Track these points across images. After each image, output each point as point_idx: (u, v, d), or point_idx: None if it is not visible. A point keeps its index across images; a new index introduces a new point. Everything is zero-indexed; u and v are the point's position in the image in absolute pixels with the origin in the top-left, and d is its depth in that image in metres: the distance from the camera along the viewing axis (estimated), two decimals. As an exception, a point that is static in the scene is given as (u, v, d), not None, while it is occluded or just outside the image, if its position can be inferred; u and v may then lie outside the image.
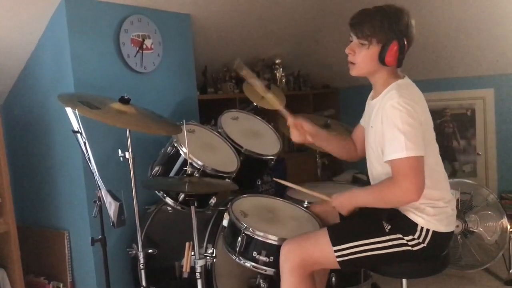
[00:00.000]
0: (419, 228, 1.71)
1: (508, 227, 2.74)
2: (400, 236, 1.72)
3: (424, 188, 1.62)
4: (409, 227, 1.72)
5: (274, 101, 2.13)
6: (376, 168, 1.82)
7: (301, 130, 1.99)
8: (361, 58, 1.74)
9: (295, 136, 1.99)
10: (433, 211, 1.71)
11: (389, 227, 1.73)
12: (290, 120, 2.00)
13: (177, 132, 2.20)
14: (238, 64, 2.08)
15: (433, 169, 1.73)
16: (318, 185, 2.84)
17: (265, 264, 1.90)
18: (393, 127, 1.62)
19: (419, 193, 1.62)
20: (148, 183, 2.23)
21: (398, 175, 1.63)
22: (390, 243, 1.72)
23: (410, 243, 1.72)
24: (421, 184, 1.61)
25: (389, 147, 1.64)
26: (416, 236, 1.71)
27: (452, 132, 4.17)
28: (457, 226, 2.74)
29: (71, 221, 2.48)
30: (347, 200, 1.84)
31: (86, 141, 1.88)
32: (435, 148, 1.78)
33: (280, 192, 2.88)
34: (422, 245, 1.72)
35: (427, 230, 1.71)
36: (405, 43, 1.68)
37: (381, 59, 1.69)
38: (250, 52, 3.93)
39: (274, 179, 2.18)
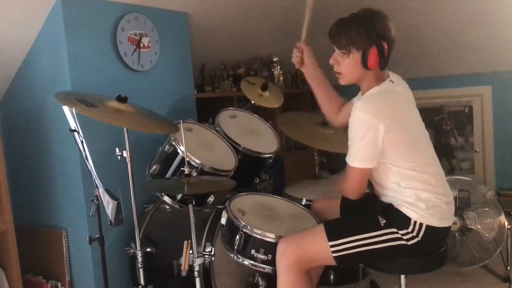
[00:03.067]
0: (412, 222, 1.73)
1: (506, 224, 2.74)
2: (395, 230, 1.74)
3: (360, 194, 1.80)
4: (403, 221, 1.74)
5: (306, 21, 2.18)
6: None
7: (303, 55, 2.09)
8: (345, 67, 1.79)
9: (294, 57, 2.12)
10: (424, 205, 1.73)
11: (384, 221, 1.75)
12: (300, 43, 2.12)
13: (173, 131, 2.20)
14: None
15: (421, 164, 1.75)
16: (315, 182, 2.84)
17: (263, 262, 1.90)
18: (350, 136, 1.74)
19: (353, 195, 1.82)
20: (148, 185, 2.23)
21: (346, 175, 1.81)
22: (385, 237, 1.74)
23: (404, 237, 1.73)
24: (358, 190, 1.80)
25: (348, 149, 1.77)
26: (410, 230, 1.73)
27: (450, 130, 4.18)
28: (455, 223, 2.74)
29: (69, 220, 2.47)
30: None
31: (84, 140, 1.87)
32: (424, 144, 1.81)
33: (278, 190, 2.89)
34: (416, 239, 1.73)
35: (421, 224, 1.72)
36: (385, 46, 1.71)
37: (364, 65, 1.74)
38: (248, 50, 3.92)
39: None
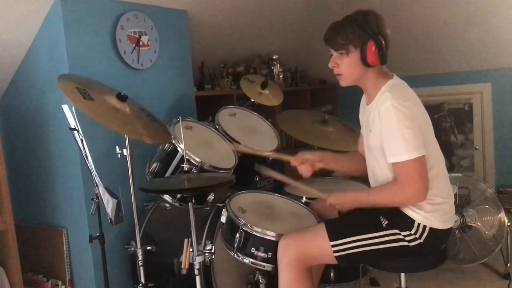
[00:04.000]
0: (416, 224, 1.71)
1: (506, 221, 2.74)
2: (397, 231, 1.73)
3: (428, 189, 1.66)
4: (406, 222, 1.73)
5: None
6: (382, 172, 1.80)
7: (307, 163, 2.01)
8: (345, 67, 1.76)
9: (305, 172, 2.01)
10: (430, 208, 1.71)
11: (386, 222, 1.74)
12: (293, 161, 2.04)
13: (162, 142, 2.20)
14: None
15: (431, 165, 1.73)
16: (316, 180, 2.84)
17: (263, 260, 1.90)
18: (391, 130, 1.64)
19: (424, 193, 1.67)
20: (148, 185, 2.22)
21: (403, 178, 1.66)
22: (386, 238, 1.73)
23: (406, 238, 1.72)
24: (426, 184, 1.66)
25: (390, 149, 1.66)
26: (413, 232, 1.72)
27: (450, 127, 4.18)
28: (455, 221, 2.74)
29: (69, 219, 2.47)
30: (350, 200, 1.85)
31: (83, 138, 1.87)
32: (434, 144, 1.78)
33: (278, 188, 2.88)
34: (418, 241, 1.72)
35: (424, 227, 1.71)
36: (382, 40, 1.70)
37: (364, 61, 1.72)
38: (247, 48, 3.92)
39: (263, 172, 2.18)
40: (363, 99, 1.93)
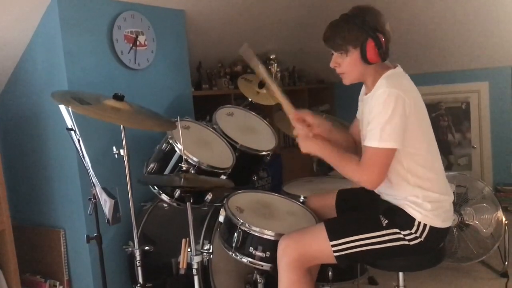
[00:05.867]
0: (416, 223, 1.71)
1: (503, 219, 2.75)
2: (397, 230, 1.72)
3: (383, 181, 1.68)
4: (406, 221, 1.73)
5: (277, 92, 1.98)
6: None
7: (304, 124, 1.89)
8: (346, 66, 1.76)
9: (299, 131, 1.88)
10: (430, 206, 1.71)
11: (386, 221, 1.74)
12: (292, 114, 1.91)
13: (171, 128, 2.20)
14: (245, 50, 1.91)
15: (429, 160, 1.74)
16: (313, 179, 2.84)
17: (261, 259, 1.90)
18: (375, 115, 1.65)
19: (376, 185, 1.69)
20: (144, 178, 2.23)
21: (364, 163, 1.68)
22: (387, 238, 1.73)
23: (407, 237, 1.72)
24: (381, 177, 1.68)
25: (368, 133, 1.67)
26: (413, 230, 1.71)
27: (447, 126, 4.18)
28: (453, 219, 2.75)
29: (66, 219, 2.47)
30: (317, 148, 1.80)
31: (80, 139, 1.87)
32: (431, 139, 1.78)
33: (276, 188, 2.89)
34: (419, 240, 1.72)
35: (425, 225, 1.71)
36: (381, 38, 1.69)
37: (365, 60, 1.71)
38: (245, 48, 3.91)
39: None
40: (363, 89, 1.92)
